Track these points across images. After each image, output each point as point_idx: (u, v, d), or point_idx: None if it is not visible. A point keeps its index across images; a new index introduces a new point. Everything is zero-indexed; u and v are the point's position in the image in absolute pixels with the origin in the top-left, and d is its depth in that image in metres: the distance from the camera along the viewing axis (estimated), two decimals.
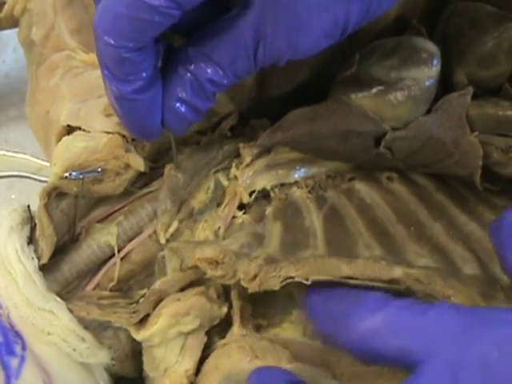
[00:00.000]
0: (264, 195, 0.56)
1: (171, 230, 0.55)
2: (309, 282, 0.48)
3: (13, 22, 0.65)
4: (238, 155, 0.57)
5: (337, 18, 0.44)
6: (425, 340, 0.42)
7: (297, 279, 0.48)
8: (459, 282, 0.47)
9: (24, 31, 0.64)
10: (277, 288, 0.48)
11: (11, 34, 0.72)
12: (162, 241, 0.55)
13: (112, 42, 0.43)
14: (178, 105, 0.47)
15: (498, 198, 0.56)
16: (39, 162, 0.65)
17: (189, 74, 0.46)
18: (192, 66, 0.46)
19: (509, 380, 0.39)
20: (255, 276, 0.48)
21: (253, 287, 0.49)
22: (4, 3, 0.64)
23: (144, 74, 0.45)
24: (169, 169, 0.56)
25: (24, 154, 0.66)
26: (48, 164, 0.64)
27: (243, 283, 0.49)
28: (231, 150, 0.57)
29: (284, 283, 0.48)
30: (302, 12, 0.43)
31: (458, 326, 0.41)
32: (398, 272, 0.47)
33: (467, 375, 0.39)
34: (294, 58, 0.46)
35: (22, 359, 0.50)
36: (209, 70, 0.46)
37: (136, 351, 0.55)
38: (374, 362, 0.47)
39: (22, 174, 0.64)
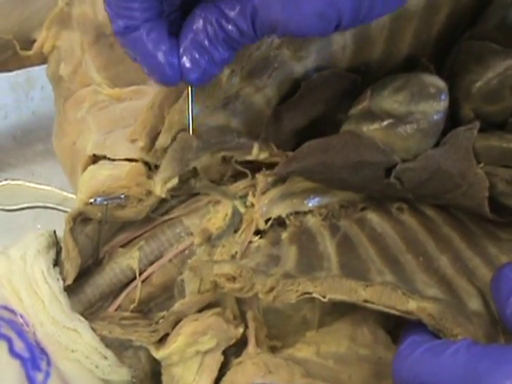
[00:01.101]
0: (279, 222, 0.58)
1: (169, 185, 0.57)
2: (326, 300, 0.50)
3: (42, 59, 0.68)
4: (253, 182, 0.60)
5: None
6: (440, 379, 0.45)
7: (314, 295, 0.50)
8: (467, 320, 0.49)
9: (52, 67, 0.67)
10: (292, 301, 0.50)
11: (39, 73, 0.75)
12: (157, 192, 0.57)
13: None
14: (192, 48, 0.49)
15: (503, 232, 0.58)
16: (64, 193, 0.68)
17: (205, 20, 0.49)
18: (208, 13, 0.49)
19: None
20: (272, 288, 0.50)
21: (269, 299, 0.51)
22: (34, 41, 0.67)
23: (144, 14, 0.48)
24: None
25: (49, 186, 0.69)
26: (72, 196, 0.66)
27: (260, 295, 0.51)
28: (245, 144, 0.59)
29: (300, 298, 0.50)
30: None
31: (468, 366, 0.44)
32: (412, 306, 0.49)
33: None
34: (288, 34, 0.48)
35: (47, 374, 0.52)
36: (221, 19, 0.48)
37: (155, 371, 0.57)
38: None
39: (47, 204, 0.67)
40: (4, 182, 0.67)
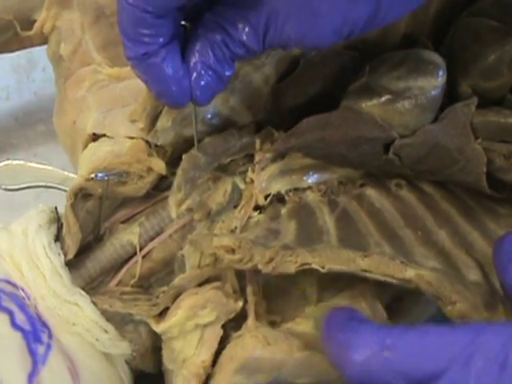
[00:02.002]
0: (279, 198, 0.59)
1: (184, 206, 0.57)
2: (325, 270, 0.50)
3: (42, 39, 0.69)
4: (252, 159, 0.60)
5: (346, 16, 0.47)
6: (426, 363, 0.43)
7: (313, 266, 0.50)
8: (465, 288, 0.49)
9: (53, 47, 0.67)
10: (291, 272, 0.50)
11: (40, 55, 0.76)
12: (174, 215, 0.58)
13: (133, 3, 0.45)
14: (203, 71, 0.49)
15: (502, 207, 0.58)
16: (65, 173, 0.68)
17: (211, 42, 0.49)
18: (212, 33, 0.49)
19: None
20: (271, 259, 0.51)
21: (268, 269, 0.51)
22: (35, 21, 0.68)
23: (161, 40, 0.47)
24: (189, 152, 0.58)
25: (51, 166, 0.69)
26: (73, 175, 0.66)
27: (259, 266, 0.51)
28: (248, 143, 0.59)
29: (299, 269, 0.50)
30: (315, 5, 0.46)
31: (455, 346, 0.43)
32: (410, 273, 0.49)
33: None
34: (299, 47, 0.50)
35: (48, 347, 0.52)
36: (227, 39, 0.48)
37: (156, 347, 0.58)
38: None
39: (48, 184, 0.67)
40: (6, 162, 0.67)
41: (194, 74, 0.49)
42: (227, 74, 0.50)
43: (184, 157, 0.58)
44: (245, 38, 0.48)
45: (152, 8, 0.45)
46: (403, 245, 0.54)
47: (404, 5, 0.48)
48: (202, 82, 0.49)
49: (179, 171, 0.58)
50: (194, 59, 0.49)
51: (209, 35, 0.49)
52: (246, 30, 0.48)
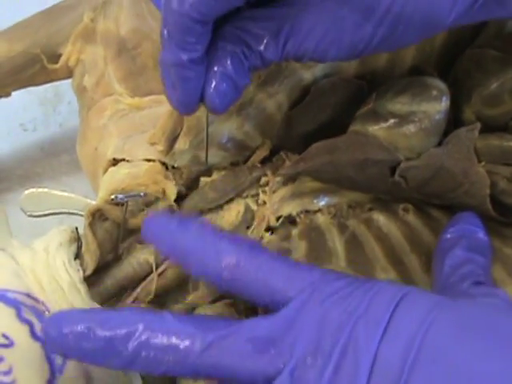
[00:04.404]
0: (290, 220, 0.60)
1: None
2: None
3: (67, 72, 0.72)
4: (260, 181, 0.62)
5: (364, 36, 0.49)
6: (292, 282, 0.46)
7: None
8: None
9: (77, 79, 0.70)
10: None
11: (66, 89, 0.80)
12: None
13: (180, 10, 0.47)
14: (218, 78, 0.50)
15: (510, 230, 0.59)
16: (87, 201, 0.70)
17: (231, 53, 0.50)
18: (232, 45, 0.50)
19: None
20: None
21: None
22: (60, 55, 0.71)
23: (200, 47, 0.49)
24: (204, 183, 0.61)
25: (74, 193, 0.72)
26: (95, 202, 0.69)
27: None
28: (258, 176, 0.62)
29: None
30: (337, 24, 0.48)
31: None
32: None
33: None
34: (315, 60, 0.51)
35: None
36: (246, 50, 0.50)
37: None
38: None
39: (71, 211, 0.69)
40: (31, 190, 0.70)
41: (213, 83, 0.51)
42: (243, 83, 0.52)
43: (194, 191, 0.61)
44: (263, 49, 0.50)
45: (199, 16, 0.47)
46: (407, 271, 0.56)
47: (418, 32, 0.50)
48: (220, 90, 0.51)
49: (188, 200, 0.61)
50: (215, 69, 0.51)
51: (228, 47, 0.50)
52: (265, 41, 0.50)
